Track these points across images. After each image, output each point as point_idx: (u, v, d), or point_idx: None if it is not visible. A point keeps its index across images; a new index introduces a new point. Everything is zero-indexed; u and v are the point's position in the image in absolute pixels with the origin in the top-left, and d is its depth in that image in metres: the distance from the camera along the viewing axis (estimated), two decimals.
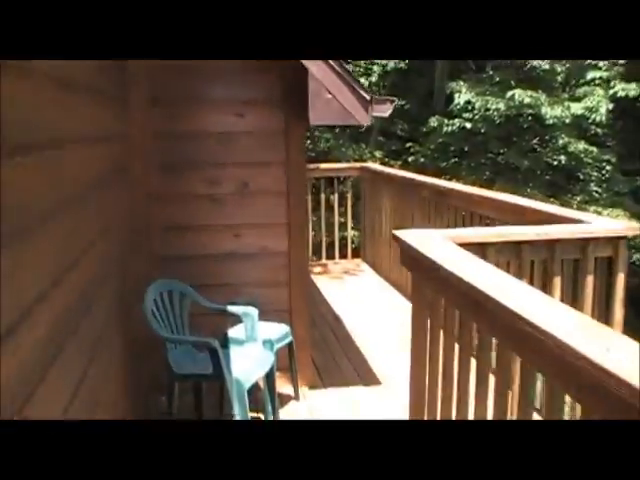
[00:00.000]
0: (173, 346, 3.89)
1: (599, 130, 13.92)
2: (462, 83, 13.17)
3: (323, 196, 8.98)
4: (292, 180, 4.65)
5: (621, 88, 12.70)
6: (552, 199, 13.28)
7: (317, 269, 8.65)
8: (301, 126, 4.61)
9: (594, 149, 13.44)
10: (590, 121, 13.04)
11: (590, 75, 13.21)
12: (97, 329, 3.08)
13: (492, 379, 2.47)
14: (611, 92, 12.79)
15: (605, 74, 13.22)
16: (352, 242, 9.46)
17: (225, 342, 4.15)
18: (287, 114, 4.56)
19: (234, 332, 4.33)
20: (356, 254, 9.34)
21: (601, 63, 13.32)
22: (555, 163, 13.60)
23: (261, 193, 4.67)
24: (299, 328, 4.75)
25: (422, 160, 14.36)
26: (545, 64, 12.86)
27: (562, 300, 3.59)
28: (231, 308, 4.22)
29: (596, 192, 13.92)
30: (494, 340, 2.41)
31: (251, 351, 4.09)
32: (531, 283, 3.56)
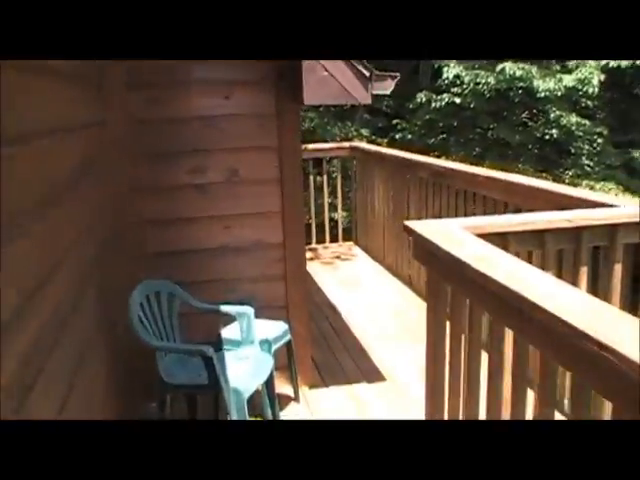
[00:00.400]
0: (163, 353, 3.55)
1: (590, 102, 13.62)
2: None
3: (311, 177, 8.65)
4: (286, 166, 4.30)
5: None
6: (544, 174, 13.02)
7: (307, 254, 8.29)
8: (294, 107, 4.25)
9: (586, 122, 13.15)
10: (581, 93, 12.73)
11: None
12: (79, 344, 2.75)
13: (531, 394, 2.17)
14: (603, 63, 12.46)
15: None
16: (342, 224, 9.14)
17: (219, 344, 3.83)
18: (279, 94, 4.19)
19: (229, 332, 4.00)
20: (347, 237, 9.02)
21: None
22: (546, 137, 13.29)
23: (253, 181, 4.31)
24: (297, 325, 4.43)
25: (409, 137, 14.02)
26: None
27: (588, 291, 3.29)
28: (224, 308, 3.89)
29: (588, 166, 13.66)
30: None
31: (248, 355, 3.77)
32: (558, 275, 3.26)
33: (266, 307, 4.28)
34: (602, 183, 13.04)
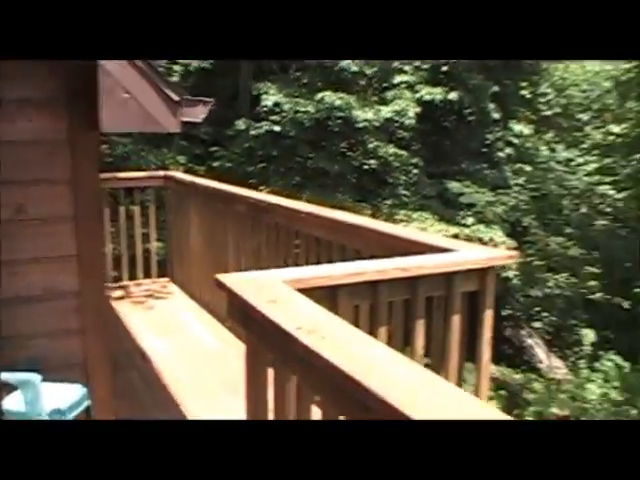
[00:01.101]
0: None
1: (406, 134, 13.87)
2: (270, 84, 12.56)
3: (123, 208, 7.98)
4: (82, 202, 3.70)
5: (427, 92, 12.67)
6: (363, 204, 13.07)
7: (117, 293, 7.59)
8: (91, 134, 3.67)
9: (402, 153, 13.36)
10: (398, 124, 12.93)
11: (397, 79, 13.08)
12: None
13: None
14: (417, 96, 12.73)
15: (411, 78, 13.15)
16: (157, 255, 8.50)
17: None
18: (72, 119, 3.60)
19: (12, 403, 3.33)
20: (162, 272, 8.40)
21: (407, 67, 13.23)
22: (365, 167, 13.37)
23: (43, 219, 3.68)
24: (98, 386, 3.81)
25: (228, 165, 13.62)
26: (354, 66, 12.53)
27: (427, 346, 2.98)
28: (4, 376, 3.23)
29: (405, 196, 13.87)
30: None
31: None
32: (389, 329, 2.93)
33: (60, 367, 3.68)
34: (419, 213, 13.25)
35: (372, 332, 2.79)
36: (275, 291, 2.27)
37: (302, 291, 2.34)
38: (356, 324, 2.83)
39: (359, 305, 2.89)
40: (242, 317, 2.31)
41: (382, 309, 2.83)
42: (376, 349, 1.76)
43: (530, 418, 11.10)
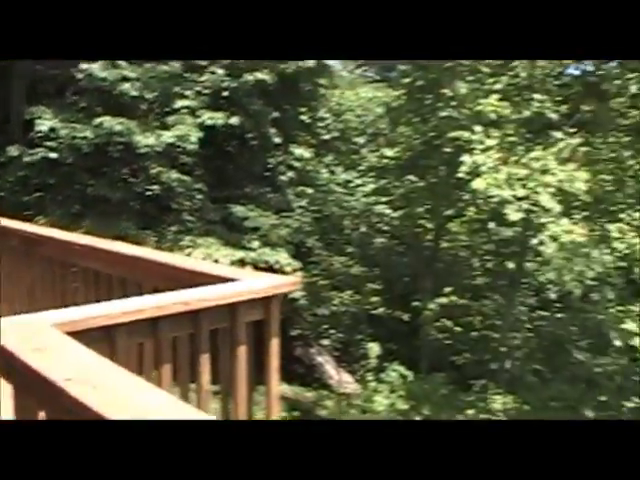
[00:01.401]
0: None
1: (189, 159, 13.76)
2: (44, 109, 11.95)
3: None
4: None
5: (208, 117, 12.65)
6: (147, 231, 12.78)
7: None
8: None
9: (186, 178, 13.23)
10: (180, 150, 12.81)
11: (179, 103, 12.92)
12: None
13: None
14: (199, 121, 12.66)
15: (193, 103, 13.06)
16: None
17: None
18: None
19: None
20: None
21: (188, 91, 13.12)
22: (148, 194, 13.10)
23: None
24: None
25: (1, 194, 12.79)
26: (133, 90, 12.23)
27: (215, 377, 2.91)
28: None
29: (189, 221, 13.75)
30: None
31: None
32: (174, 365, 2.81)
33: None
34: (204, 238, 13.17)
35: (157, 370, 2.68)
36: (43, 337, 2.09)
37: (75, 334, 2.18)
38: (139, 364, 2.72)
39: (143, 343, 2.76)
40: (5, 367, 2.10)
41: (166, 346, 2.72)
42: (151, 395, 1.66)
43: None
